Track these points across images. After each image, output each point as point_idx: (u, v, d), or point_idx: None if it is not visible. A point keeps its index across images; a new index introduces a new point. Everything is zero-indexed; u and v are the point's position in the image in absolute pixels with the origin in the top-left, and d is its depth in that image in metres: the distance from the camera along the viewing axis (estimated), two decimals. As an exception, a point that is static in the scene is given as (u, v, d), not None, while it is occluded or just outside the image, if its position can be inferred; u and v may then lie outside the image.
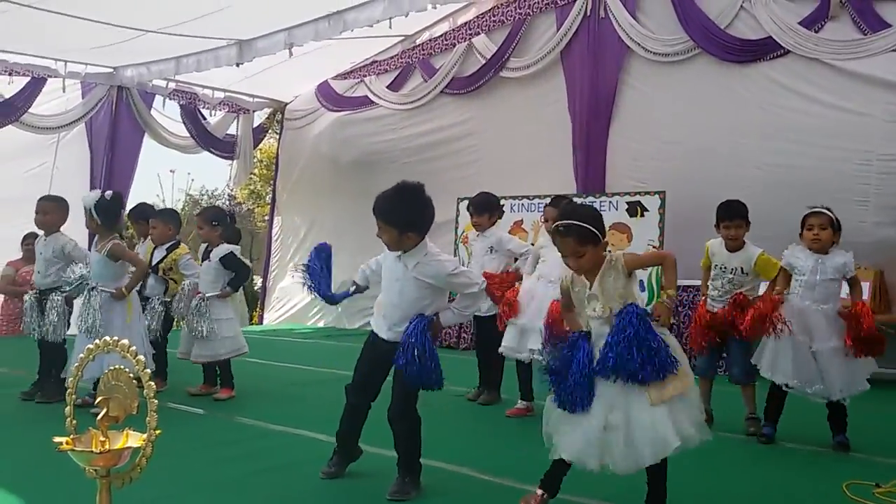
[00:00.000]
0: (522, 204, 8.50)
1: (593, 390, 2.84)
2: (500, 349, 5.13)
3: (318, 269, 3.58)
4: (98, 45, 8.57)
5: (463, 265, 5.64)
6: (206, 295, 5.41)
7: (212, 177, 42.04)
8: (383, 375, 3.43)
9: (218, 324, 5.41)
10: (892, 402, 5.44)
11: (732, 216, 4.74)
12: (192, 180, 24.79)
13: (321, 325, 11.35)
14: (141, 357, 1.92)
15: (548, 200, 5.58)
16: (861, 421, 4.24)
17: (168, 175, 16.83)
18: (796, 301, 4.28)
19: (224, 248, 5.50)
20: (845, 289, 4.37)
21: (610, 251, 2.99)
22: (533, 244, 5.64)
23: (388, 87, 10.56)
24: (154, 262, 5.74)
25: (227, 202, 20.62)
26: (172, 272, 5.76)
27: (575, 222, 2.90)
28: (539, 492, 3.06)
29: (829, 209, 4.33)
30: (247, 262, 6.05)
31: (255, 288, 13.66)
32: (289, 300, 12.03)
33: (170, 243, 5.81)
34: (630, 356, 2.74)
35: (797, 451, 4.27)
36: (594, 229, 2.89)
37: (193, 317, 5.37)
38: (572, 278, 3.03)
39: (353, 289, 3.58)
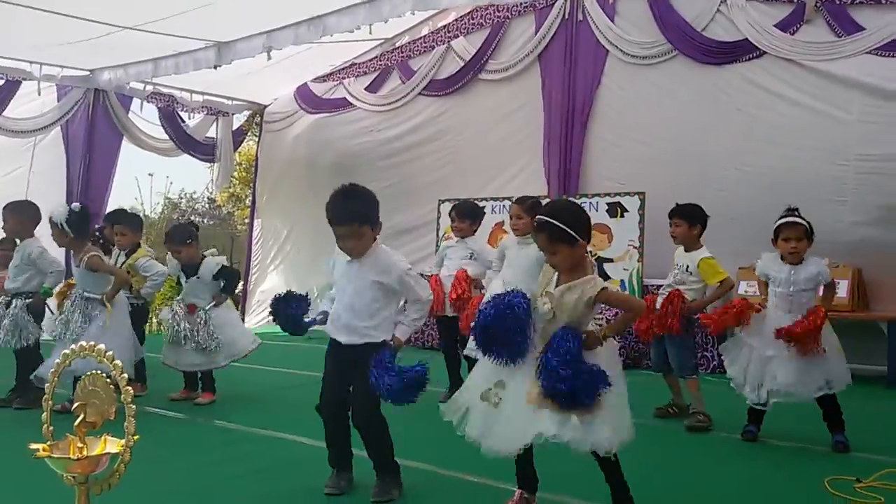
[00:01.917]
0: (503, 206, 8.50)
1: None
2: (467, 352, 5.15)
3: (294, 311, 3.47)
4: (74, 39, 8.41)
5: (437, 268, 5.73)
6: (206, 308, 5.38)
7: (190, 180, 41.74)
8: (349, 382, 3.32)
9: (223, 330, 5.41)
10: (873, 399, 5.50)
11: (671, 214, 4.92)
12: (171, 184, 24.62)
13: (302, 328, 11.27)
14: (118, 362, 1.89)
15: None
16: (843, 416, 4.28)
17: (146, 178, 16.71)
18: (772, 312, 4.28)
19: (213, 263, 5.46)
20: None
21: (594, 266, 2.93)
22: None
23: (366, 88, 10.56)
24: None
25: (207, 205, 20.50)
26: (130, 274, 5.70)
27: (548, 220, 2.82)
28: (518, 492, 3.04)
29: (800, 215, 4.25)
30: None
31: (237, 292, 13.58)
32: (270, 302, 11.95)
33: (130, 248, 5.78)
34: (560, 376, 2.64)
35: (779, 447, 4.31)
36: (569, 230, 2.79)
37: (199, 332, 5.30)
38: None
39: (320, 317, 3.44)
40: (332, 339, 3.36)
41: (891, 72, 6.73)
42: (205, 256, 5.53)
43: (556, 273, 2.90)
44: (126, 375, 1.88)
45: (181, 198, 20.64)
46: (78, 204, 5.08)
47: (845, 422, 4.26)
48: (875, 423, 4.95)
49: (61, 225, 4.88)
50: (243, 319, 12.10)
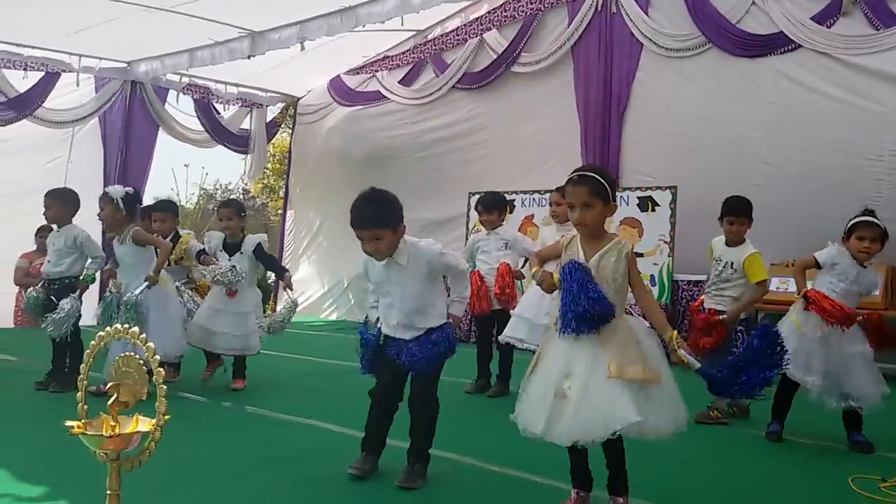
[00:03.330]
0: (534, 199, 8.52)
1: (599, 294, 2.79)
2: (510, 339, 5.23)
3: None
4: (112, 18, 8.41)
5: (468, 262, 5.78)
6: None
7: (225, 171, 42.28)
8: (406, 374, 3.39)
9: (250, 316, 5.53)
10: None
11: (737, 212, 4.73)
12: (206, 174, 24.90)
13: (334, 317, 11.41)
14: (151, 345, 1.96)
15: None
16: (867, 416, 4.23)
17: (182, 169, 16.95)
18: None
19: (253, 238, 5.55)
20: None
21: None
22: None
23: (399, 81, 10.61)
24: None
25: (242, 196, 20.73)
26: (184, 261, 5.83)
27: (590, 173, 2.93)
28: (574, 491, 3.01)
29: (876, 217, 4.21)
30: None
31: (269, 281, 13.74)
32: (302, 292, 12.08)
33: (171, 235, 5.84)
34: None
35: (804, 445, 4.28)
36: (607, 186, 2.90)
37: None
38: (568, 244, 3.01)
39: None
40: (388, 338, 3.40)
41: (929, 66, 6.62)
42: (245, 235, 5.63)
43: (579, 247, 2.93)
44: (158, 357, 1.95)
45: (216, 188, 20.91)
46: (131, 188, 5.25)
47: (873, 420, 4.21)
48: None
49: (118, 201, 5.00)
50: (276, 308, 12.30)
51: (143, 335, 1.97)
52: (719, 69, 7.83)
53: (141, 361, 2.00)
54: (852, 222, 4.23)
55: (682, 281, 7.60)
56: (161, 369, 1.93)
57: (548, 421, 2.76)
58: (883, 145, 6.80)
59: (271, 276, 13.44)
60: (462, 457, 3.76)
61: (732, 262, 4.70)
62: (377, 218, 3.26)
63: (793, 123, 7.28)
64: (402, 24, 8.13)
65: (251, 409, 4.87)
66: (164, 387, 1.94)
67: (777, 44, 7.42)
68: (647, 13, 8.33)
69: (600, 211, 2.90)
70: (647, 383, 2.73)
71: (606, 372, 2.72)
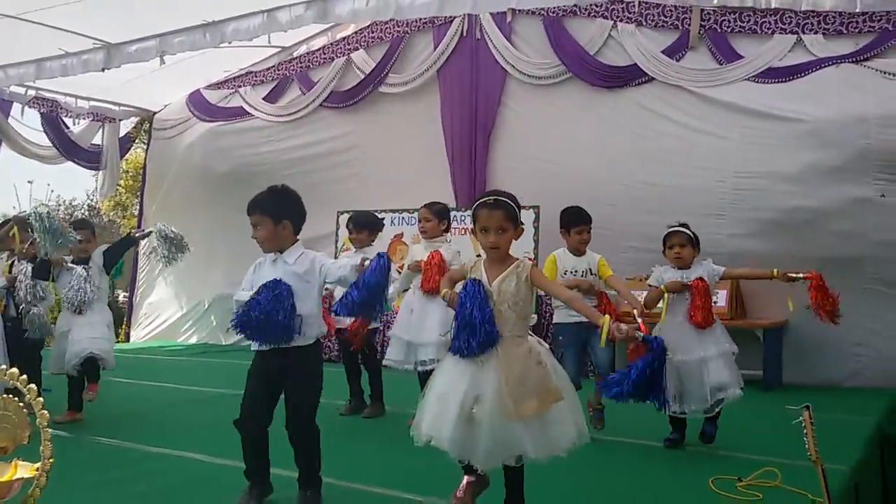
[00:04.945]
0: (402, 217, 8.58)
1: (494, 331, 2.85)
2: (386, 362, 5.22)
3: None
4: None
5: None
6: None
7: (72, 187, 39.93)
8: (276, 394, 3.32)
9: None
10: (751, 402, 5.83)
11: (588, 221, 4.97)
12: (52, 191, 23.42)
13: (194, 341, 10.99)
14: (32, 386, 1.85)
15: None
16: (724, 420, 4.53)
17: (26, 185, 15.94)
18: (669, 321, 4.46)
19: (99, 250, 5.34)
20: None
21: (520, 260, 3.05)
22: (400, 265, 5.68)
23: (264, 98, 10.40)
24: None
25: (87, 213, 19.63)
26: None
27: (503, 198, 2.98)
28: (465, 478, 3.05)
29: (686, 225, 4.59)
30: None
31: (120, 303, 13.08)
32: (158, 315, 11.57)
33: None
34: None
35: (668, 450, 4.52)
36: (517, 210, 2.99)
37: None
38: (472, 267, 3.06)
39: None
40: (259, 352, 3.34)
41: (766, 98, 7.22)
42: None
43: (483, 271, 2.99)
44: (42, 399, 1.84)
45: (59, 205, 19.71)
46: None
47: (730, 425, 4.54)
48: (753, 425, 5.25)
49: None
50: (129, 333, 11.71)
51: (24, 376, 1.85)
52: (581, 98, 8.19)
53: (21, 404, 1.88)
54: (664, 236, 4.62)
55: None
56: (45, 412, 1.83)
57: (460, 442, 2.81)
58: (727, 168, 7.37)
59: (122, 297, 12.87)
60: (345, 481, 3.73)
61: (590, 269, 4.89)
62: (263, 205, 3.36)
63: (647, 149, 7.74)
64: (269, 42, 8.00)
65: (117, 443, 4.63)
66: (49, 429, 1.83)
67: (633, 76, 7.87)
68: (510, 41, 8.59)
69: (510, 236, 2.97)
70: (545, 411, 2.80)
71: (503, 408, 2.76)
